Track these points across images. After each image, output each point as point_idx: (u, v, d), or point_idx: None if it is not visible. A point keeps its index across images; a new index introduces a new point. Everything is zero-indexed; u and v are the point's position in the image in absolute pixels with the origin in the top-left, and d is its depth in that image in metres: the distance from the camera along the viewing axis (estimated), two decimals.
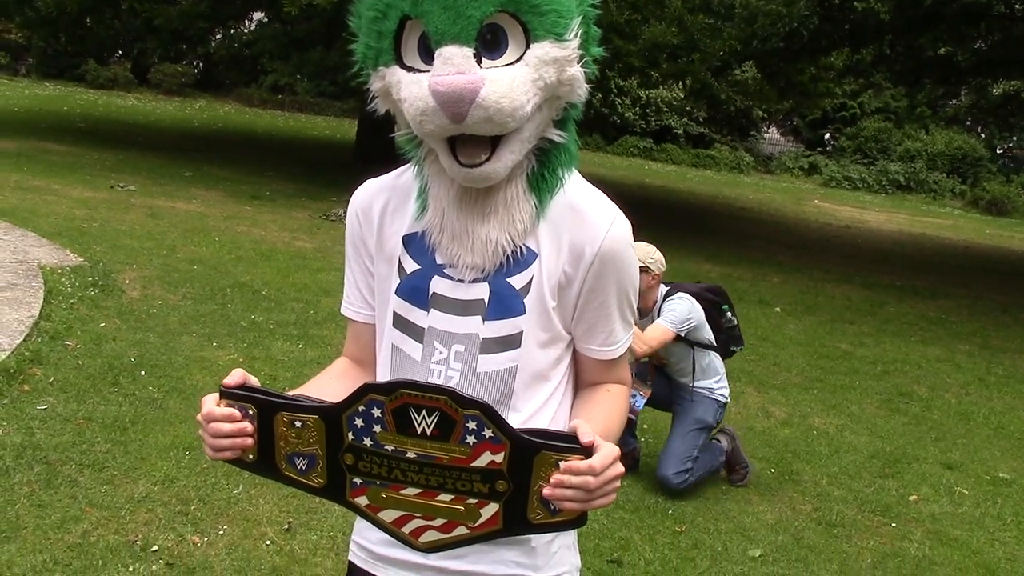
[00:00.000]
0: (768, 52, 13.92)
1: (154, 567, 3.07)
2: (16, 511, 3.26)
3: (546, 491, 1.21)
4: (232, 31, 18.15)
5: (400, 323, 1.41)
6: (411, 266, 1.40)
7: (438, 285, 1.37)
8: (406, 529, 1.30)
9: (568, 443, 1.21)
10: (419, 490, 1.26)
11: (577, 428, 1.22)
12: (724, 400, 4.47)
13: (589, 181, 1.42)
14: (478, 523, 1.27)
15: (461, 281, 1.36)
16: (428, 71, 1.22)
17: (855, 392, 6.49)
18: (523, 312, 1.35)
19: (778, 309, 9.10)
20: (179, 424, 4.19)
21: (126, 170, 12.04)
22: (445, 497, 1.26)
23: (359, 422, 1.24)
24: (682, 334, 4.27)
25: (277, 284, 7.07)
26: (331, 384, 1.46)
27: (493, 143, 1.25)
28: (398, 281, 1.41)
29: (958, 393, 6.87)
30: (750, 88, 18.81)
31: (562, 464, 1.19)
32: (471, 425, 1.20)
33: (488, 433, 1.20)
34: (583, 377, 1.48)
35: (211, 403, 1.27)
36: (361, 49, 1.31)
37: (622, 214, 1.39)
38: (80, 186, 10.29)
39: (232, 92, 28.77)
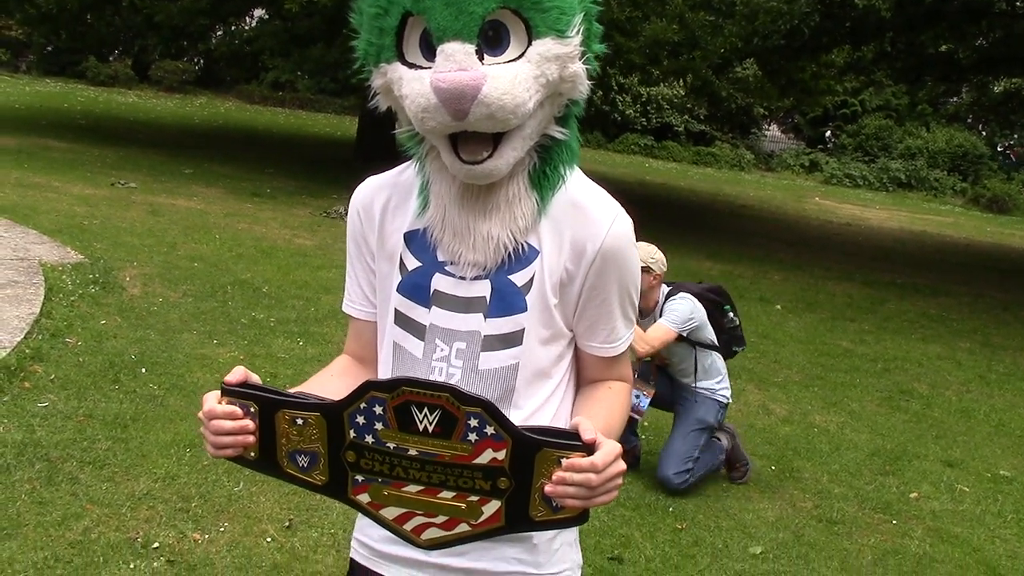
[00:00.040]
0: (769, 49, 13.90)
1: (155, 564, 3.07)
2: (17, 508, 3.26)
3: (548, 488, 1.21)
4: (233, 28, 18.12)
5: (402, 320, 1.41)
6: (412, 263, 1.40)
7: (439, 282, 1.37)
8: (408, 526, 1.30)
9: (570, 440, 1.21)
10: (421, 487, 1.26)
11: (579, 425, 1.22)
12: (726, 401, 4.47)
13: (590, 179, 1.42)
14: (480, 520, 1.27)
15: (463, 278, 1.36)
16: (430, 68, 1.22)
17: (856, 389, 6.49)
18: (525, 309, 1.35)
19: (779, 307, 9.09)
20: (180, 421, 4.19)
21: (127, 167, 12.04)
22: (447, 494, 1.26)
23: (361, 419, 1.23)
24: (684, 334, 4.26)
25: (278, 281, 7.07)
26: (332, 381, 1.46)
27: (495, 140, 1.25)
28: (399, 278, 1.41)
29: (959, 391, 6.87)
30: (751, 85, 18.79)
31: (564, 461, 1.19)
32: (473, 422, 1.20)
33: (490, 430, 1.20)
34: (585, 374, 1.48)
35: (213, 400, 1.27)
36: (363, 46, 1.31)
37: (624, 211, 1.39)
38: (81, 183, 10.29)
39: (233, 89, 28.76)
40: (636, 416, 4.41)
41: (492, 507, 1.26)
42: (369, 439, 1.24)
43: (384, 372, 1.45)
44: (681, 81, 18.32)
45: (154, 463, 3.77)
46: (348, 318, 1.56)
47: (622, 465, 1.21)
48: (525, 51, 1.23)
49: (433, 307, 1.38)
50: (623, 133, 29.77)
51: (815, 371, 6.81)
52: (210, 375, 4.79)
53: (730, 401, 4.52)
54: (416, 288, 1.39)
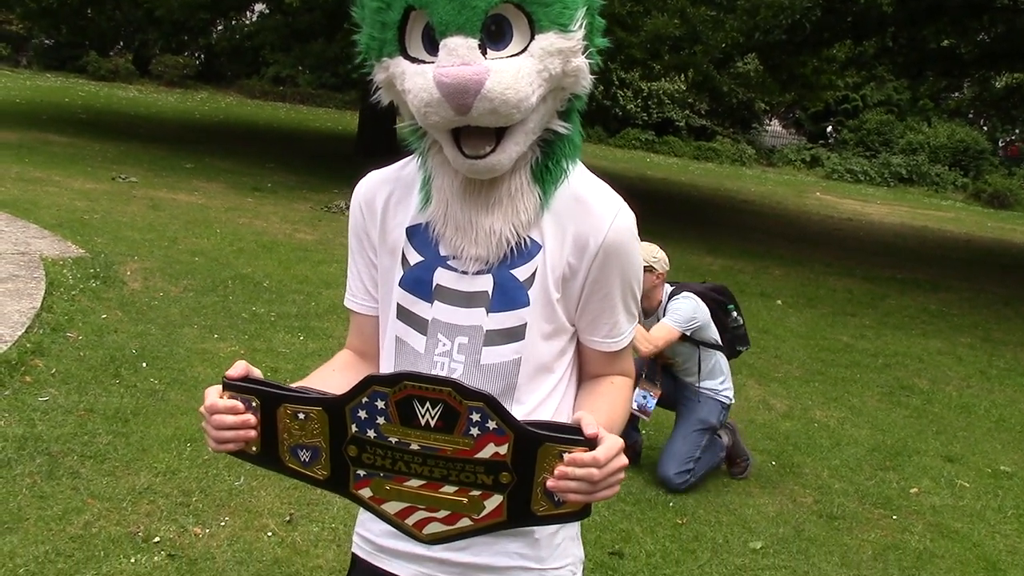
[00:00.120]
0: (770, 44, 13.87)
1: (156, 558, 3.08)
2: (18, 502, 3.27)
3: (550, 483, 1.21)
4: (233, 22, 18.10)
5: (404, 315, 1.41)
6: (414, 258, 1.40)
7: (442, 277, 1.37)
8: (410, 521, 1.30)
9: (572, 435, 1.21)
10: (423, 482, 1.26)
11: (581, 420, 1.22)
12: (728, 402, 4.46)
13: (591, 173, 1.42)
14: (482, 515, 1.27)
15: (465, 273, 1.36)
16: (432, 62, 1.21)
17: (856, 385, 6.49)
18: (527, 304, 1.35)
19: (779, 302, 9.09)
20: (180, 416, 4.20)
21: (127, 162, 12.03)
22: (449, 489, 1.26)
23: (363, 414, 1.23)
24: (687, 333, 4.26)
25: (278, 276, 7.07)
26: (334, 376, 1.46)
27: (497, 134, 1.25)
28: (401, 273, 1.41)
29: (959, 386, 6.87)
30: (752, 80, 18.77)
31: (566, 456, 1.19)
32: (475, 417, 1.20)
33: (492, 425, 1.20)
34: (587, 369, 1.48)
35: (214, 395, 1.27)
36: (365, 40, 1.30)
37: (626, 205, 1.38)
38: (81, 178, 10.28)
39: (234, 84, 28.71)
40: (644, 416, 4.41)
41: (494, 502, 1.26)
42: (371, 433, 1.24)
43: (386, 367, 1.45)
44: (682, 76, 18.31)
45: (155, 457, 3.77)
46: (350, 313, 1.56)
47: (624, 460, 1.21)
48: (528, 45, 1.22)
49: (435, 302, 1.37)
50: (624, 128, 29.71)
51: (815, 366, 6.81)
52: (211, 369, 4.79)
53: (732, 402, 4.51)
54: (418, 283, 1.39)
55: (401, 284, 1.40)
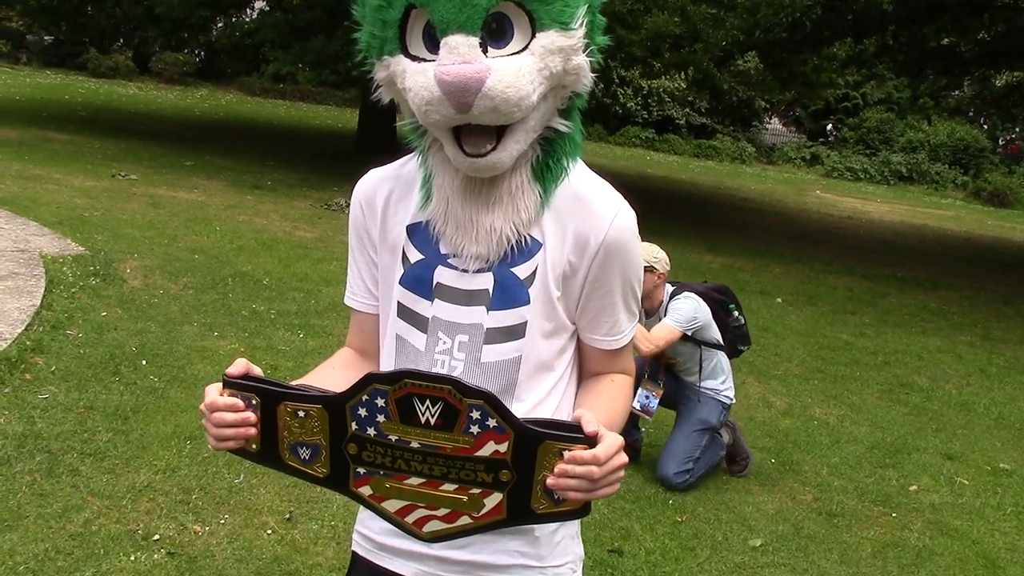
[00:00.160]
0: (771, 42, 13.87)
1: (155, 556, 3.08)
2: (18, 500, 3.27)
3: (550, 481, 1.21)
4: (234, 20, 18.10)
5: (404, 313, 1.41)
6: (415, 256, 1.39)
7: (442, 275, 1.37)
8: (409, 519, 1.30)
9: (572, 433, 1.21)
10: (423, 480, 1.26)
11: (581, 418, 1.22)
12: (729, 402, 4.46)
13: (591, 171, 1.42)
14: (482, 513, 1.27)
15: (465, 271, 1.36)
16: (434, 60, 1.21)
17: (856, 383, 6.49)
18: (527, 302, 1.35)
19: (779, 300, 9.09)
20: (180, 413, 4.20)
21: (127, 159, 12.03)
22: (449, 487, 1.26)
23: (363, 412, 1.23)
24: (689, 333, 4.26)
25: (278, 274, 7.07)
26: (334, 374, 1.46)
27: (498, 133, 1.25)
28: (402, 271, 1.41)
29: (959, 384, 6.87)
30: (752, 78, 18.77)
31: (566, 454, 1.19)
32: (475, 415, 1.20)
33: (492, 423, 1.20)
34: (587, 367, 1.48)
35: (214, 393, 1.27)
36: (365, 38, 1.30)
37: (627, 204, 1.38)
38: (81, 175, 10.28)
39: (234, 81, 28.71)
40: (646, 416, 4.42)
41: (494, 500, 1.26)
42: (371, 431, 1.24)
43: (386, 365, 1.45)
44: (682, 74, 18.31)
45: (155, 455, 3.77)
46: (350, 311, 1.55)
47: (624, 458, 1.21)
48: (529, 43, 1.22)
49: (436, 300, 1.37)
50: (624, 126, 29.72)
51: (815, 364, 6.81)
52: (211, 367, 4.79)
53: (733, 401, 4.51)
54: (419, 281, 1.39)
55: (401, 282, 1.40)
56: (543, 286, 1.35)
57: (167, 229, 8.02)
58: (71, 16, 17.10)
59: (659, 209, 14.11)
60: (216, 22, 18.08)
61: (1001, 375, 7.32)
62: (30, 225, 7.18)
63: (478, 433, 1.21)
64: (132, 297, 5.81)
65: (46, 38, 26.20)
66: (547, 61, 1.23)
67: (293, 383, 1.32)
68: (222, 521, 3.36)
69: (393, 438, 1.24)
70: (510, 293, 1.35)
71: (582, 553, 1.53)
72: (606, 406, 1.39)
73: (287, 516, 3.46)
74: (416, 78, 1.23)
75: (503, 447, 1.21)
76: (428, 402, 1.20)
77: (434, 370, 1.36)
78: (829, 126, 34.47)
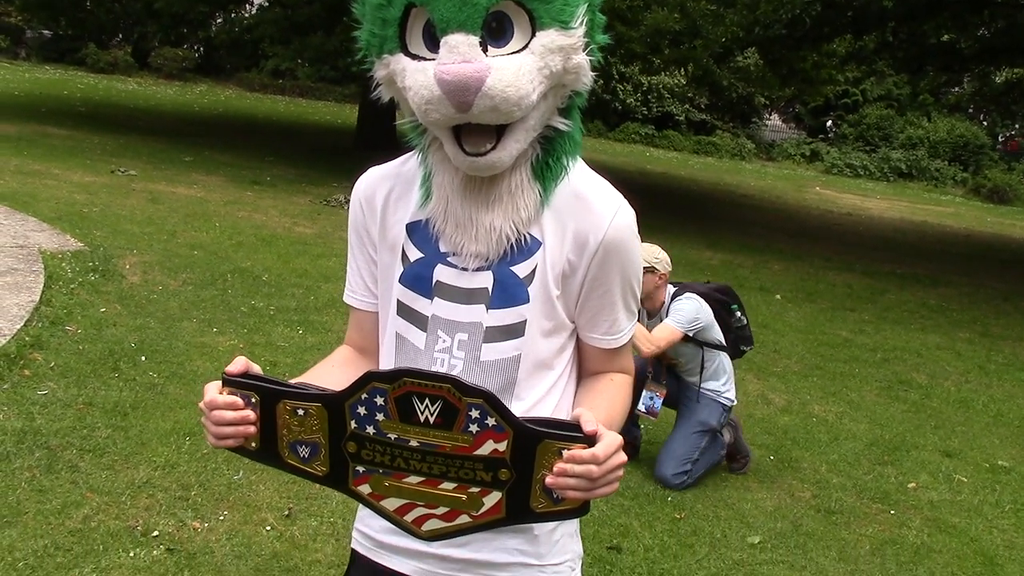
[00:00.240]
0: (770, 39, 13.88)
1: (155, 552, 3.08)
2: (17, 496, 3.27)
3: (549, 480, 1.21)
4: (233, 15, 18.08)
5: (404, 311, 1.41)
6: (414, 254, 1.39)
7: (442, 273, 1.37)
8: (408, 517, 1.30)
9: (571, 432, 1.21)
10: (422, 478, 1.26)
11: (580, 417, 1.22)
12: (730, 403, 4.45)
13: (590, 167, 1.42)
14: (481, 511, 1.27)
15: (465, 269, 1.36)
16: (433, 59, 1.21)
17: (855, 380, 6.49)
18: (527, 301, 1.35)
19: (779, 296, 9.10)
20: (179, 409, 4.20)
21: (127, 155, 12.02)
22: (448, 485, 1.26)
23: (362, 410, 1.23)
24: (690, 334, 4.25)
25: (277, 270, 7.07)
26: (333, 372, 1.46)
27: (498, 132, 1.25)
28: (401, 269, 1.41)
29: (958, 381, 6.87)
30: (752, 75, 18.79)
31: (565, 453, 1.19)
32: (474, 413, 1.20)
33: (491, 422, 1.20)
34: (586, 366, 1.48)
35: (213, 391, 1.27)
36: (365, 36, 1.30)
37: (627, 203, 1.38)
38: (80, 170, 10.27)
39: (233, 77, 28.70)
40: (651, 417, 4.42)
41: (493, 498, 1.26)
42: (370, 430, 1.24)
43: (386, 363, 1.45)
44: (682, 70, 18.33)
45: (154, 451, 3.78)
46: (349, 308, 1.55)
47: (623, 457, 1.21)
48: (529, 42, 1.22)
49: (435, 298, 1.37)
50: (624, 122, 29.72)
51: (814, 361, 6.81)
52: (210, 363, 4.79)
53: (735, 403, 4.50)
54: (418, 279, 1.39)
55: (401, 280, 1.40)
56: (542, 285, 1.35)
57: (166, 225, 8.02)
58: (70, 11, 17.09)
59: (659, 206, 14.12)
60: (215, 17, 18.06)
61: (1000, 372, 7.32)
62: (29, 221, 7.17)
63: (477, 432, 1.21)
64: (131, 293, 5.81)
65: (45, 33, 26.18)
66: (547, 60, 1.23)
67: (292, 381, 1.32)
68: (221, 517, 3.36)
69: (392, 436, 1.24)
70: (509, 292, 1.35)
71: (581, 551, 1.53)
72: (605, 405, 1.39)
73: (286, 513, 3.47)
74: (416, 77, 1.23)
75: (502, 446, 1.21)
76: (427, 401, 1.20)
77: (433, 368, 1.36)
78: (829, 122, 34.46)
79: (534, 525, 1.39)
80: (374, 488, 1.29)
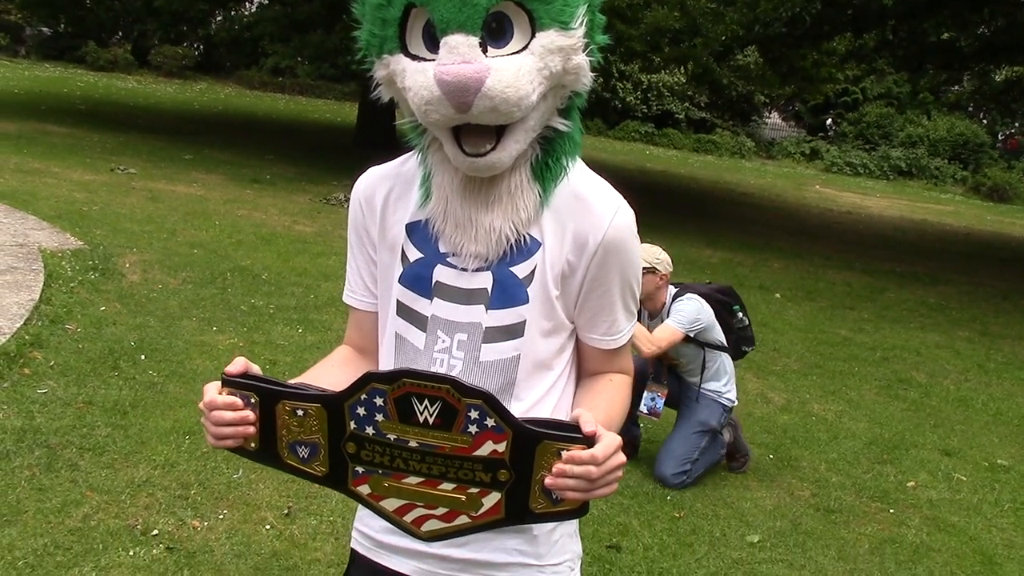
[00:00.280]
0: (770, 37, 13.88)
1: (154, 551, 3.08)
2: (17, 495, 3.27)
3: (548, 481, 1.21)
4: (233, 13, 18.07)
5: (403, 311, 1.41)
6: (414, 254, 1.40)
7: (441, 274, 1.37)
8: (408, 518, 1.31)
9: (570, 433, 1.21)
10: (421, 479, 1.26)
11: (579, 418, 1.22)
12: (731, 404, 4.45)
13: (590, 166, 1.42)
14: (480, 512, 1.27)
15: (464, 270, 1.36)
16: (433, 59, 1.21)
17: (854, 378, 6.49)
18: (526, 301, 1.35)
19: (778, 295, 9.10)
20: (179, 408, 4.20)
21: (126, 153, 12.02)
22: (447, 486, 1.26)
23: (361, 411, 1.24)
24: (691, 335, 4.25)
25: (277, 268, 7.07)
26: (333, 372, 1.46)
27: (498, 132, 1.25)
28: (401, 269, 1.41)
29: (957, 380, 6.88)
30: (752, 73, 18.79)
31: (564, 454, 1.20)
32: (473, 414, 1.20)
33: (490, 422, 1.20)
34: (585, 366, 1.48)
35: (213, 391, 1.27)
36: (365, 36, 1.30)
37: (626, 203, 1.38)
38: (80, 169, 10.27)
39: (233, 75, 28.69)
40: (654, 418, 4.42)
41: (492, 499, 1.26)
42: (370, 430, 1.24)
43: (386, 363, 1.45)
44: (682, 68, 18.34)
45: (153, 450, 3.78)
46: (349, 308, 1.56)
47: (622, 458, 1.21)
48: (528, 43, 1.22)
49: (435, 298, 1.37)
50: (624, 120, 29.73)
51: (814, 360, 6.81)
52: (209, 362, 4.79)
53: (735, 403, 4.50)
54: (418, 279, 1.39)
55: (401, 281, 1.41)
56: (542, 285, 1.35)
57: (166, 223, 8.02)
58: (70, 9, 17.09)
59: (658, 204, 14.12)
60: (215, 15, 18.05)
61: (999, 371, 7.32)
62: (29, 219, 7.17)
63: (476, 433, 1.21)
64: (131, 292, 5.81)
65: (45, 31, 26.17)
66: (547, 61, 1.23)
67: (292, 382, 1.32)
68: (221, 516, 3.37)
69: (392, 437, 1.24)
70: (509, 292, 1.35)
71: (580, 551, 1.53)
72: (604, 406, 1.39)
73: (286, 511, 3.47)
74: (416, 77, 1.23)
75: (501, 447, 1.21)
76: (427, 401, 1.20)
77: (433, 368, 1.37)
78: (829, 121, 34.48)
79: (533, 525, 1.39)
80: (373, 488, 1.29)
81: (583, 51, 1.27)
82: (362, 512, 1.50)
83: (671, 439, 4.36)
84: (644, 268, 4.00)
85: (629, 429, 4.40)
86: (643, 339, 4.13)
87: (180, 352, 4.90)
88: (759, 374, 6.18)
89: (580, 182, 1.37)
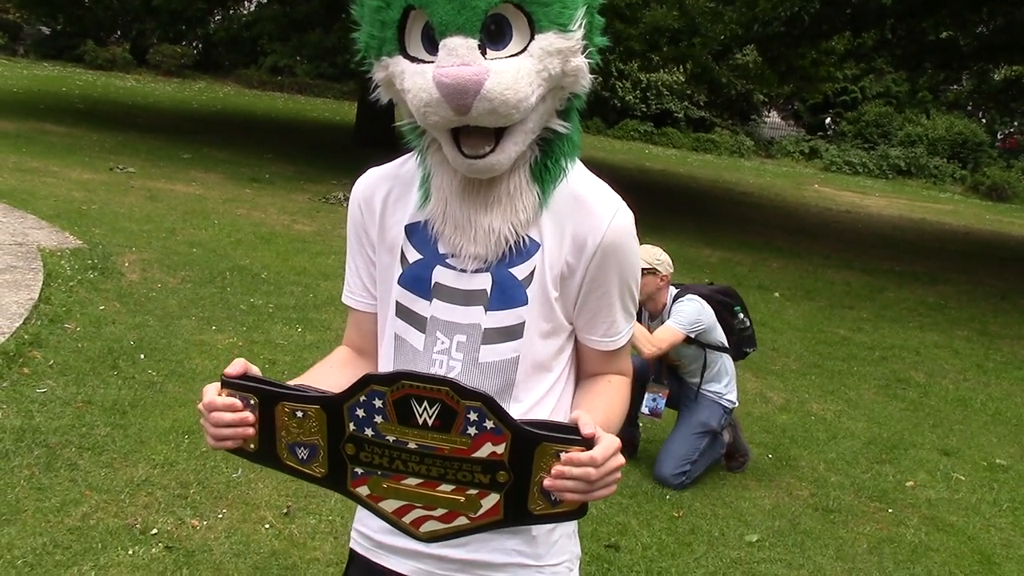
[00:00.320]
0: (769, 36, 13.87)
1: (153, 550, 3.08)
2: (16, 494, 3.27)
3: (547, 482, 1.21)
4: (231, 12, 18.07)
5: (403, 313, 1.41)
6: (413, 256, 1.40)
7: (440, 275, 1.37)
8: (407, 519, 1.31)
9: (569, 434, 1.21)
10: (420, 480, 1.27)
11: (578, 419, 1.22)
12: (731, 405, 4.45)
13: (589, 165, 1.42)
14: (479, 513, 1.28)
15: (463, 271, 1.36)
16: (432, 62, 1.21)
17: (853, 378, 6.50)
18: (525, 302, 1.35)
19: (777, 294, 9.10)
20: (178, 407, 4.20)
21: (125, 152, 12.01)
22: (446, 487, 1.26)
23: (361, 412, 1.24)
24: (692, 336, 4.25)
25: (276, 267, 7.07)
26: (332, 373, 1.46)
27: (497, 134, 1.25)
28: (400, 271, 1.41)
29: (956, 379, 6.88)
30: (751, 72, 18.79)
31: (563, 455, 1.20)
32: (472, 416, 1.20)
33: (489, 424, 1.20)
34: (584, 368, 1.48)
35: (212, 392, 1.27)
36: (364, 38, 1.30)
37: (625, 205, 1.39)
38: (79, 168, 10.27)
39: (231, 73, 28.67)
40: (656, 418, 4.42)
41: (491, 500, 1.26)
42: (369, 432, 1.25)
43: (385, 364, 1.45)
44: (681, 68, 18.35)
45: (153, 449, 3.78)
46: (348, 309, 1.56)
47: (621, 459, 1.22)
48: (527, 45, 1.22)
49: (434, 300, 1.38)
50: (623, 119, 29.73)
51: (812, 359, 6.82)
52: (209, 361, 4.79)
53: (736, 404, 4.50)
54: (417, 280, 1.39)
55: (400, 282, 1.41)
56: (541, 287, 1.36)
57: (165, 222, 8.02)
58: (68, 8, 17.07)
59: (657, 203, 14.12)
60: (214, 14, 18.03)
61: (998, 370, 7.33)
62: (28, 218, 7.17)
63: (475, 434, 1.21)
64: (130, 291, 5.81)
65: (43, 30, 26.15)
66: (546, 63, 1.23)
67: (291, 383, 1.32)
68: (220, 515, 3.37)
69: (391, 439, 1.24)
70: (508, 294, 1.35)
71: (579, 551, 1.54)
72: (603, 407, 1.39)
73: (285, 511, 3.47)
74: (415, 79, 1.23)
75: (500, 448, 1.22)
76: (426, 403, 1.21)
77: (432, 370, 1.37)
78: (827, 120, 34.48)
79: (532, 526, 1.40)
80: (372, 490, 1.30)
81: (582, 53, 1.27)
82: (361, 512, 1.50)
83: (671, 440, 4.36)
84: (644, 269, 4.00)
85: (628, 430, 4.41)
86: (644, 340, 4.13)
87: (179, 351, 4.90)
88: (758, 374, 6.19)
89: (579, 184, 1.38)
